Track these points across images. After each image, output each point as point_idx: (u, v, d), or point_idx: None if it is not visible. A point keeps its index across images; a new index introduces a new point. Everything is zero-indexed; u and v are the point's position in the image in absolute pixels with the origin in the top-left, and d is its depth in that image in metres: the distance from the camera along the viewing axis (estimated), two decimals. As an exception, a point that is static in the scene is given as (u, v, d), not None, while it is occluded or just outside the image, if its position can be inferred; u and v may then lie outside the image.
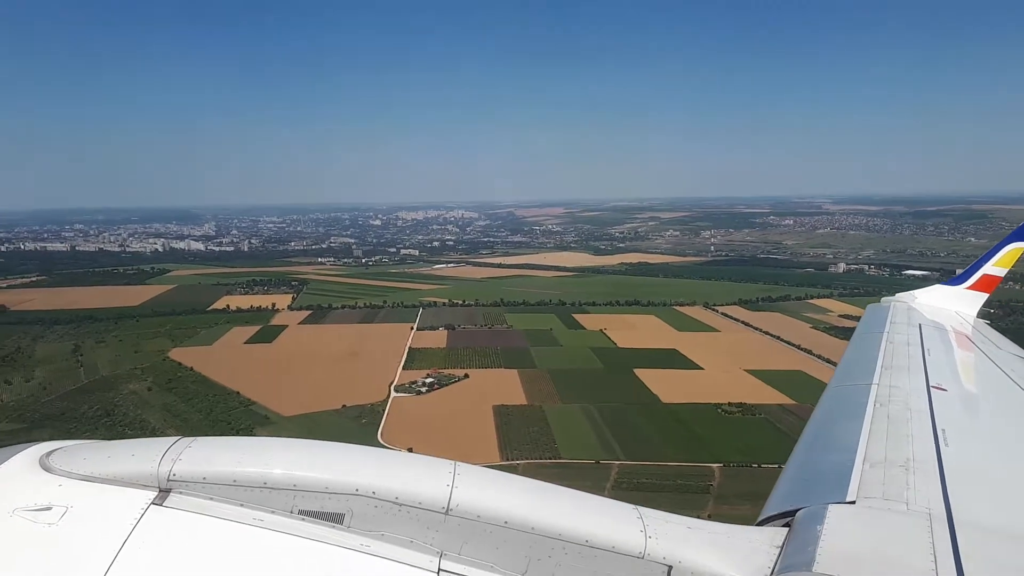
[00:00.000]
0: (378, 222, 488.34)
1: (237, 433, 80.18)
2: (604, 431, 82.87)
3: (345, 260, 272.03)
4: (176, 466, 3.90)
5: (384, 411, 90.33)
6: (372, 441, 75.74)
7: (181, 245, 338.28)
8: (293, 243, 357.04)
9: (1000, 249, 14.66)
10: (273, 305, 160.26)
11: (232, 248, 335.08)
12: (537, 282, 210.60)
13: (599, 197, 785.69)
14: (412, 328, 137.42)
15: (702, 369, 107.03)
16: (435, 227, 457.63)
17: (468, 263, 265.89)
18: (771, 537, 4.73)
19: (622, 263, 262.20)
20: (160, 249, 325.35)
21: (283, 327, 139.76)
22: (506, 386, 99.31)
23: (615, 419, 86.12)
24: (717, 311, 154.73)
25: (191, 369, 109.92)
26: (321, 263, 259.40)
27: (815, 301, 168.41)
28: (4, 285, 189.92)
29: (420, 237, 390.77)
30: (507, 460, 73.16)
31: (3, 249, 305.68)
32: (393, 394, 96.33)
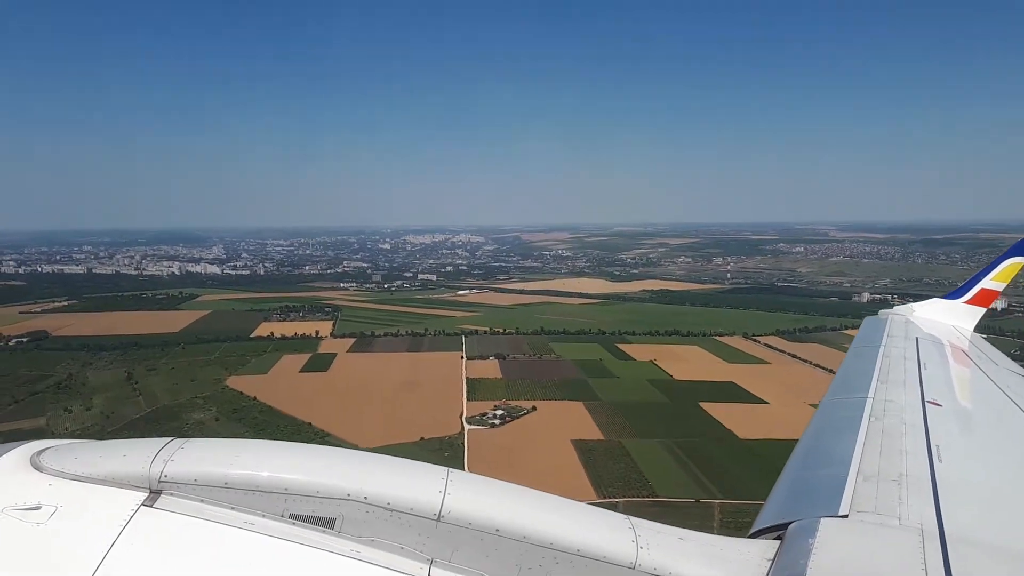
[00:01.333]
0: (387, 246, 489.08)
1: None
2: (691, 467, 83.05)
3: (367, 285, 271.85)
4: (168, 467, 3.93)
5: (463, 444, 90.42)
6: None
7: (197, 269, 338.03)
8: (307, 267, 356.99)
9: (999, 264, 14.88)
10: (316, 333, 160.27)
11: (248, 272, 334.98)
12: (565, 309, 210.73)
13: (603, 222, 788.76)
14: (462, 357, 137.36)
15: (767, 403, 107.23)
16: (444, 251, 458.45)
17: (489, 289, 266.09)
18: (763, 550, 4.80)
19: (643, 290, 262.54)
20: (176, 272, 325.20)
21: (333, 355, 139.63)
22: (576, 419, 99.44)
23: (697, 455, 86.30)
24: (759, 342, 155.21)
25: (254, 399, 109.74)
26: (344, 288, 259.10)
27: (851, 332, 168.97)
28: (38, 309, 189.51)
29: (431, 261, 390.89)
30: (604, 498, 73.07)
31: (21, 271, 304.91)
32: (467, 427, 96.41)
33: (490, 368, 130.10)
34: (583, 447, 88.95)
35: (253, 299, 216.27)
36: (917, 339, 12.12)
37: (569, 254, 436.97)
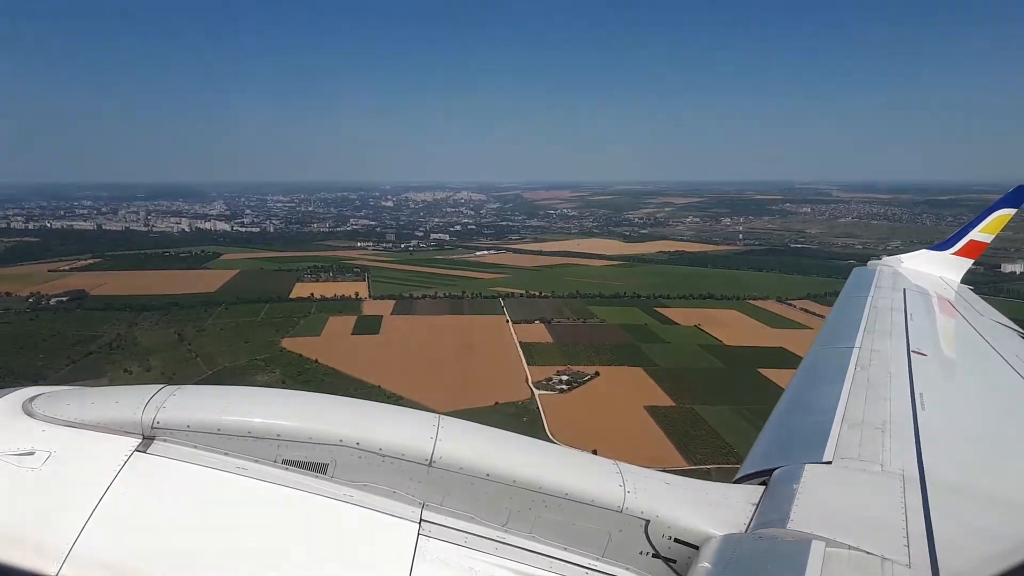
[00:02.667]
0: (390, 203, 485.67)
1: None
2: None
3: (384, 245, 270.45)
4: (160, 414, 4.00)
5: (538, 409, 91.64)
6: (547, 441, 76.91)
7: (207, 226, 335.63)
8: (315, 224, 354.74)
9: (988, 215, 14.95)
10: (356, 294, 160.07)
11: (258, 229, 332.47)
12: (588, 271, 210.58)
13: (603, 180, 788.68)
14: (507, 321, 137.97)
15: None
16: (448, 209, 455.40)
17: (505, 249, 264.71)
18: (747, 495, 4.93)
19: (659, 251, 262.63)
20: (186, 229, 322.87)
21: (378, 317, 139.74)
22: (641, 385, 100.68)
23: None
24: (794, 306, 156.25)
25: (316, 361, 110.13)
26: (361, 248, 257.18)
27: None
28: (66, 268, 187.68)
29: (437, 220, 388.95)
30: (695, 465, 74.72)
31: (31, 227, 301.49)
32: (536, 392, 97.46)
33: (538, 332, 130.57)
34: (657, 413, 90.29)
35: (276, 258, 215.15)
36: (904, 290, 12.32)
37: (574, 213, 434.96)
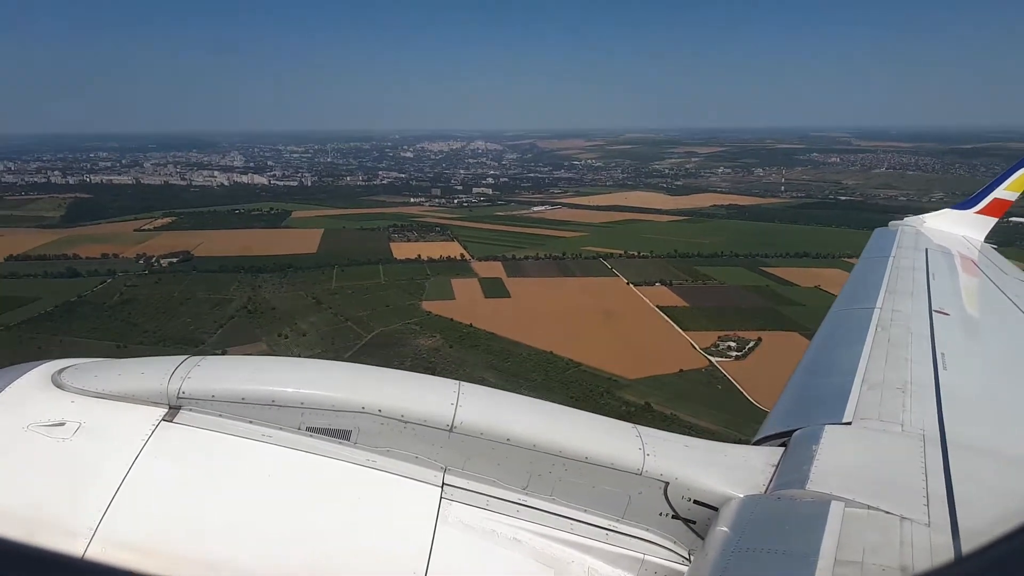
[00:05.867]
0: (410, 155, 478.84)
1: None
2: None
3: (438, 200, 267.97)
4: (185, 384, 4.09)
5: (725, 376, 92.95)
6: (760, 414, 78.83)
7: (243, 179, 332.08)
8: (348, 178, 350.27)
9: (1013, 173, 14.82)
10: (461, 255, 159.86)
11: (295, 183, 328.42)
12: (656, 227, 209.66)
13: (611, 127, 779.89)
14: (627, 284, 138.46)
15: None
16: (470, 161, 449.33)
17: (560, 204, 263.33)
18: (767, 456, 4.94)
19: (713, 204, 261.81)
20: (226, 183, 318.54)
21: (497, 279, 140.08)
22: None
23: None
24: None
25: (471, 325, 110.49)
26: (416, 203, 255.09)
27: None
28: (149, 227, 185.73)
29: (463, 172, 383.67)
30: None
31: (71, 182, 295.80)
32: (712, 359, 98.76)
33: (665, 295, 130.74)
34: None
35: (343, 216, 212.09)
36: (927, 250, 12.22)
37: (599, 164, 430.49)
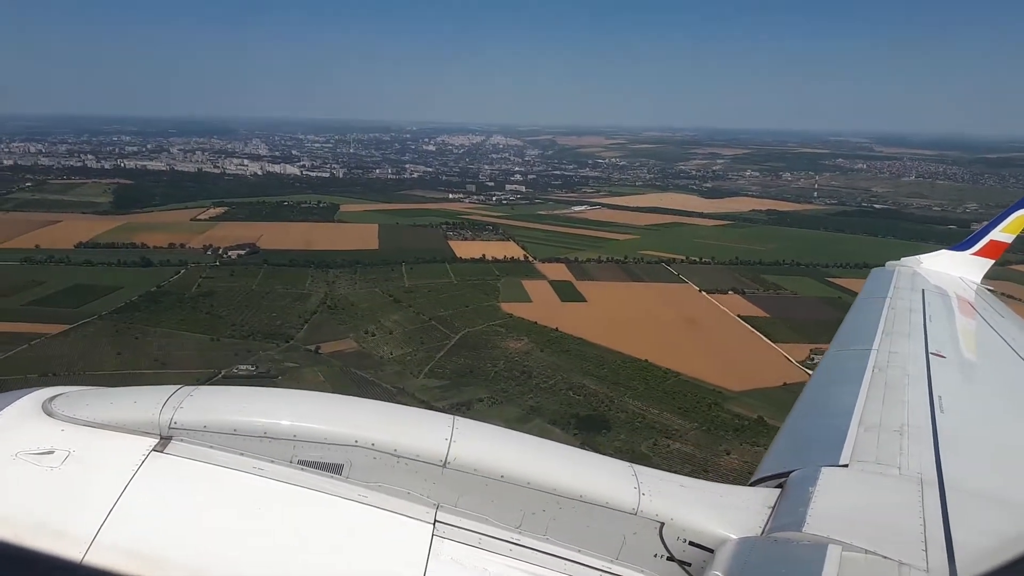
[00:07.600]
0: (432, 148, 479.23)
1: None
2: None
3: (475, 197, 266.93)
4: (177, 414, 4.04)
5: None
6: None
7: (275, 168, 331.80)
8: (377, 171, 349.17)
9: (1008, 215, 14.71)
10: (524, 256, 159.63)
11: (327, 175, 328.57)
12: (703, 231, 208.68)
13: (627, 125, 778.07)
14: (699, 291, 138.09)
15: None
16: (494, 156, 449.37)
17: (598, 204, 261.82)
18: (764, 497, 4.90)
19: (752, 209, 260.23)
20: (259, 172, 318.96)
21: (568, 282, 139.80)
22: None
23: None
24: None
25: (556, 329, 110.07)
26: (456, 200, 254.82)
27: (1017, 267, 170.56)
28: (204, 217, 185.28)
29: (488, 167, 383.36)
30: None
31: (107, 167, 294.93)
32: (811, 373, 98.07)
33: (741, 304, 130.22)
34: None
35: (391, 211, 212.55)
36: (923, 291, 12.23)
37: (624, 163, 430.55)
